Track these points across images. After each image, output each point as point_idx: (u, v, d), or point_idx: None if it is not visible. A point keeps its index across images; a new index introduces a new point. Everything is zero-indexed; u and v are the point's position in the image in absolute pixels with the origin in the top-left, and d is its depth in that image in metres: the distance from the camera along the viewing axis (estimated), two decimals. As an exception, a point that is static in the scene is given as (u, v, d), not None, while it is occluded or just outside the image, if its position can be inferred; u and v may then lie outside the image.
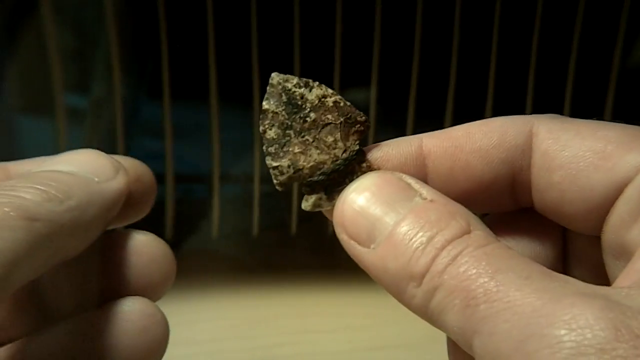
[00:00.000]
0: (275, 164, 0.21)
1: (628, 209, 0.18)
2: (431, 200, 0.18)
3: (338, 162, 0.20)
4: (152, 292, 0.22)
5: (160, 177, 0.50)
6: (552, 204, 0.20)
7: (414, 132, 0.22)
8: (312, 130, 0.21)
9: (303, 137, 0.21)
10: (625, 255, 0.18)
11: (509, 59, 0.50)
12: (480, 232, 0.17)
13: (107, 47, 0.46)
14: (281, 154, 0.21)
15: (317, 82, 0.21)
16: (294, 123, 0.21)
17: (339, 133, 0.21)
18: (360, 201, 0.19)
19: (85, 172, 0.20)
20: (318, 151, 0.21)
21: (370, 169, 0.21)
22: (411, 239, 0.17)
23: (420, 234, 0.17)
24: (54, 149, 0.46)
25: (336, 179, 0.21)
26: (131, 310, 0.22)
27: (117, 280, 0.22)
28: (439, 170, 0.21)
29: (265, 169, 0.21)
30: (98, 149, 0.22)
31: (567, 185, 0.19)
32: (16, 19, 0.46)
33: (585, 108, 0.52)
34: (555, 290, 0.15)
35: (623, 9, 0.49)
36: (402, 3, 0.48)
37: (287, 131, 0.21)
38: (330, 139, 0.21)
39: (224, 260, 0.53)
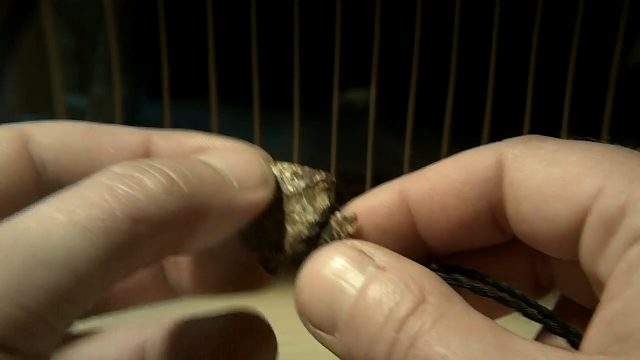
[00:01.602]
0: (260, 256, 0.21)
1: (592, 240, 0.17)
2: (384, 269, 0.17)
3: (312, 226, 0.20)
4: None
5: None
6: (526, 234, 0.19)
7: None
8: (281, 207, 0.20)
9: (275, 219, 0.20)
10: (600, 287, 0.17)
11: (509, 59, 0.50)
12: (434, 299, 0.16)
13: (107, 47, 0.46)
14: (261, 244, 0.20)
15: (273, 162, 0.21)
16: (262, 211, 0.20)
17: (305, 199, 0.20)
18: (315, 282, 0.18)
19: (232, 172, 0.19)
20: (292, 226, 0.20)
21: (346, 218, 0.20)
22: (368, 321, 0.16)
23: (377, 313, 0.16)
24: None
25: (317, 243, 0.20)
26: None
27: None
28: (420, 214, 0.20)
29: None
30: None
31: (533, 217, 0.18)
32: (16, 19, 0.46)
33: (586, 108, 0.52)
34: None
35: (623, 9, 0.49)
36: (402, 3, 0.48)
37: (260, 221, 0.20)
38: (298, 208, 0.20)
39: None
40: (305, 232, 0.20)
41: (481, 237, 0.21)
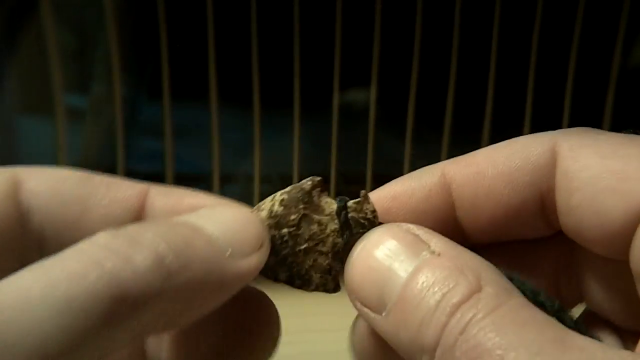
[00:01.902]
0: (313, 287, 0.20)
1: None
2: (439, 254, 0.17)
3: (340, 230, 0.20)
4: None
5: (160, 177, 0.50)
6: (573, 228, 0.18)
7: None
8: (298, 238, 0.20)
9: (299, 250, 0.20)
10: None
11: (509, 59, 0.50)
12: (490, 289, 0.16)
13: (107, 47, 0.46)
14: (305, 280, 0.20)
15: (255, 207, 0.20)
16: (281, 251, 0.20)
17: (313, 215, 0.20)
18: (366, 264, 0.18)
19: (225, 239, 0.18)
20: (321, 244, 0.20)
21: (373, 214, 0.19)
22: (419, 304, 0.16)
23: (428, 296, 0.16)
24: (54, 149, 0.46)
25: (356, 237, 0.19)
26: None
27: None
28: (463, 198, 0.19)
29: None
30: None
31: (584, 210, 0.18)
32: (16, 19, 0.46)
33: (586, 108, 0.52)
34: None
35: (623, 9, 0.49)
36: (402, 3, 0.48)
37: (290, 265, 0.20)
38: (314, 227, 0.20)
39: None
40: (339, 240, 0.20)
41: (524, 228, 0.20)
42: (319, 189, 0.20)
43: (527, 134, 0.20)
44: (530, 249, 0.21)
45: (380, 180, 0.21)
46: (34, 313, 0.13)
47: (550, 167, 0.19)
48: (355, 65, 0.49)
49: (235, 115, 0.51)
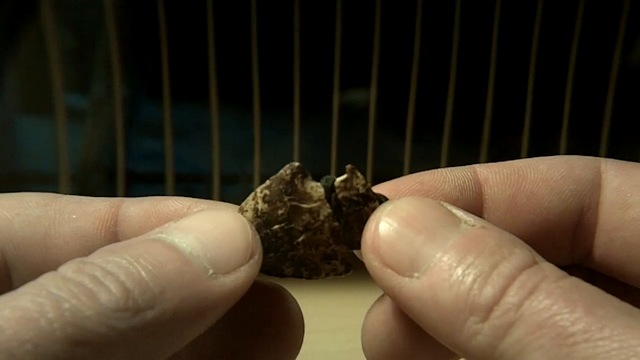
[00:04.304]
0: (324, 275, 0.19)
1: None
2: (482, 227, 0.16)
3: (334, 214, 0.18)
4: None
5: (160, 177, 0.50)
6: (620, 247, 0.18)
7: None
8: (293, 232, 0.19)
9: (297, 243, 0.19)
10: None
11: (509, 59, 0.50)
12: (547, 265, 0.15)
13: (107, 47, 0.46)
14: (312, 269, 0.19)
15: (249, 198, 0.19)
16: (279, 248, 0.19)
17: (302, 205, 0.18)
18: (398, 225, 0.16)
19: (206, 256, 0.16)
20: (319, 232, 0.18)
21: (365, 188, 0.18)
22: (468, 266, 0.15)
23: (480, 260, 0.15)
24: (54, 149, 0.46)
25: (353, 216, 0.18)
26: None
27: None
28: (498, 199, 0.18)
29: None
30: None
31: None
32: (16, 19, 0.46)
33: (586, 108, 0.52)
34: None
35: (623, 9, 0.49)
36: (402, 3, 0.48)
37: (285, 256, 0.19)
38: (305, 217, 0.18)
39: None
40: (335, 224, 0.18)
41: (547, 247, 0.19)
42: (300, 175, 0.18)
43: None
44: None
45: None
46: None
47: (596, 182, 0.18)
48: (355, 65, 0.49)
49: (235, 116, 0.51)
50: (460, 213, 0.17)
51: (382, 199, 0.18)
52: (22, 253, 0.18)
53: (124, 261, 0.15)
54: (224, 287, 0.16)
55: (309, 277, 0.19)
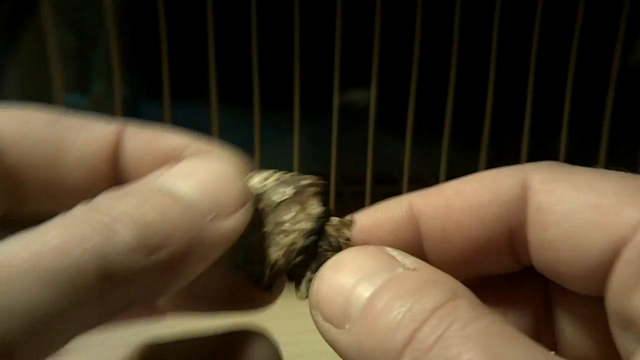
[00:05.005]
0: (250, 273, 0.19)
1: (628, 273, 0.16)
2: (414, 269, 0.16)
3: (307, 234, 0.18)
4: None
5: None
6: (547, 263, 0.18)
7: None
8: (268, 220, 0.19)
9: (261, 231, 0.19)
10: (631, 326, 0.16)
11: (509, 59, 0.50)
12: (466, 301, 0.15)
13: (107, 47, 0.46)
14: (249, 261, 0.19)
15: (254, 171, 0.19)
16: (247, 226, 0.18)
17: (294, 206, 0.19)
18: (336, 278, 0.17)
19: (205, 201, 0.17)
20: (283, 235, 0.19)
21: (343, 221, 0.19)
22: (388, 312, 0.15)
23: (399, 303, 0.15)
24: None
25: (316, 251, 0.19)
26: None
27: None
28: (431, 232, 0.19)
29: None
30: None
31: (561, 244, 0.17)
32: (16, 19, 0.46)
33: (586, 108, 0.52)
34: None
35: (623, 9, 0.49)
36: (402, 3, 0.48)
37: (246, 238, 0.18)
38: (288, 216, 0.19)
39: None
40: (300, 241, 0.19)
41: (492, 263, 0.19)
42: (315, 188, 0.19)
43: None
44: (504, 287, 0.21)
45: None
46: (19, 283, 0.13)
47: (521, 200, 0.18)
48: (355, 65, 0.49)
49: (235, 115, 0.51)
50: (401, 257, 0.17)
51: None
52: (32, 175, 0.19)
53: (133, 205, 0.16)
54: (223, 230, 0.17)
55: (237, 267, 0.19)
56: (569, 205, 0.17)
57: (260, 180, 0.19)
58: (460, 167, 0.50)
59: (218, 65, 0.48)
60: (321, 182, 0.19)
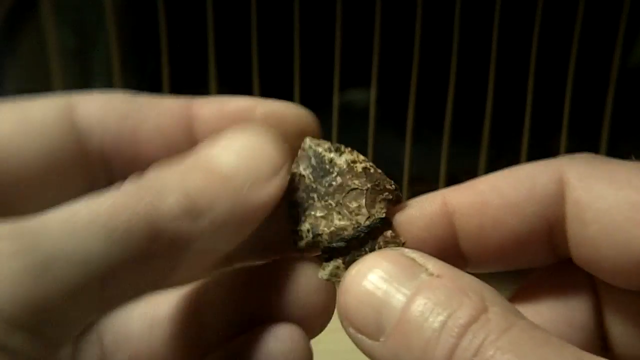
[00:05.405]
0: (294, 228, 0.20)
1: None
2: (438, 276, 0.17)
3: (359, 229, 0.19)
4: (307, 325, 0.21)
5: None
6: (588, 258, 0.18)
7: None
8: (337, 195, 0.20)
9: (326, 201, 0.20)
10: None
11: (509, 59, 0.50)
12: (498, 309, 0.16)
13: (107, 47, 0.46)
14: (302, 218, 0.20)
15: (350, 148, 0.20)
16: (319, 186, 0.20)
17: (364, 199, 0.19)
18: (362, 288, 0.17)
19: (245, 169, 0.18)
20: (340, 216, 0.19)
21: (396, 238, 0.19)
22: (422, 326, 0.16)
23: (432, 318, 0.16)
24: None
25: (357, 248, 0.19)
26: (279, 339, 0.20)
27: (272, 308, 0.21)
28: (467, 228, 0.19)
29: None
30: None
31: (602, 241, 0.17)
32: (16, 19, 0.46)
33: (585, 108, 0.52)
34: None
35: (623, 9, 0.49)
36: (402, 3, 0.48)
37: (311, 194, 0.20)
38: (354, 204, 0.19)
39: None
40: (350, 231, 0.19)
41: (530, 256, 0.20)
42: (390, 195, 0.19)
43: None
44: (550, 280, 0.21)
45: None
46: (79, 235, 0.15)
47: (558, 196, 0.18)
48: (355, 65, 0.49)
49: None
50: (422, 260, 0.17)
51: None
52: (117, 148, 0.20)
53: (178, 176, 0.17)
54: (260, 198, 0.18)
55: (295, 220, 0.20)
56: (608, 202, 0.17)
57: (353, 156, 0.20)
58: (460, 167, 0.50)
59: (218, 65, 0.48)
60: (398, 193, 0.20)
